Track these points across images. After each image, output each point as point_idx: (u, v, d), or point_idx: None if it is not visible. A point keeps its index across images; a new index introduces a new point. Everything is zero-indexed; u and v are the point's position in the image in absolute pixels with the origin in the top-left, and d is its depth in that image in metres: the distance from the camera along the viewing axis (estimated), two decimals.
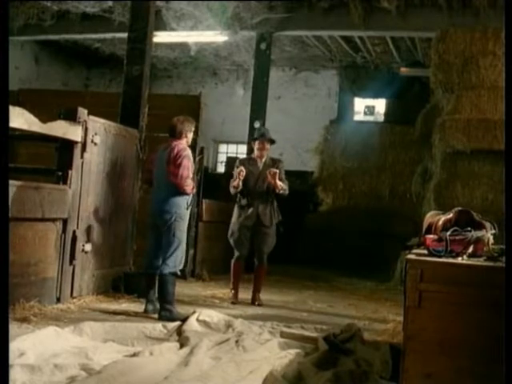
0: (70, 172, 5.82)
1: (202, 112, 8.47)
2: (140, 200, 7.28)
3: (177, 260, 5.59)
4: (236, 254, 6.70)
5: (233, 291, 6.71)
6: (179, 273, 5.79)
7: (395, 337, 4.91)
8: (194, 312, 5.26)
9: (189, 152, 5.66)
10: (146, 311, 5.64)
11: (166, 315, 5.39)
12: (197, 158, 6.88)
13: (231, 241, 6.72)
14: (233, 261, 6.73)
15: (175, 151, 5.57)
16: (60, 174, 5.79)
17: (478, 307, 3.07)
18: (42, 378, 3.34)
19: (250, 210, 6.55)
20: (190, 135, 5.83)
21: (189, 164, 5.58)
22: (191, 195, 5.68)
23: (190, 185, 5.58)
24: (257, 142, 6.66)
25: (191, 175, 5.61)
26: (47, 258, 5.60)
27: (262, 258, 6.64)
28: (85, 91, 13.76)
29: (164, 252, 5.56)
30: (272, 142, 6.72)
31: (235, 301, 6.60)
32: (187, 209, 5.64)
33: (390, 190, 11.75)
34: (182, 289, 6.54)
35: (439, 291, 3.15)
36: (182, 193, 5.56)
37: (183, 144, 5.68)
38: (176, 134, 5.72)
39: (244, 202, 6.59)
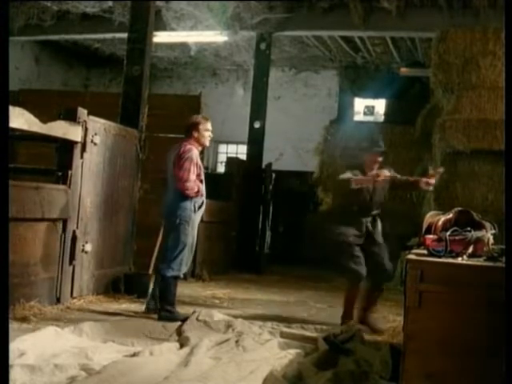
0: (69, 172, 5.82)
1: (202, 112, 8.46)
2: (140, 200, 7.29)
3: (181, 264, 5.50)
4: (353, 276, 5.55)
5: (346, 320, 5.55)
6: (182, 276, 5.67)
7: (395, 337, 4.91)
8: (193, 312, 5.27)
9: (193, 153, 5.45)
10: (147, 308, 5.63)
11: (166, 316, 5.38)
12: None
13: (350, 264, 5.47)
14: (350, 287, 5.63)
15: (179, 152, 5.45)
16: (60, 174, 5.79)
17: (478, 307, 3.07)
18: (42, 378, 3.34)
19: (360, 228, 5.54)
20: (201, 134, 5.56)
21: (190, 166, 5.39)
22: (201, 198, 5.51)
23: (191, 188, 5.39)
24: (373, 155, 5.54)
25: (193, 177, 5.41)
26: (47, 258, 5.60)
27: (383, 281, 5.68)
28: (85, 91, 13.76)
29: (169, 254, 5.49)
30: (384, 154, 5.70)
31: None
32: (195, 212, 5.47)
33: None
34: (182, 289, 6.52)
35: (439, 291, 3.15)
36: (189, 197, 5.43)
37: (190, 144, 5.51)
38: (185, 134, 5.61)
39: (351, 218, 5.55)
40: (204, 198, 5.59)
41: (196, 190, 5.44)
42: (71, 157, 5.87)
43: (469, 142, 7.99)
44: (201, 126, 5.56)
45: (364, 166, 5.53)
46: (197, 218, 5.56)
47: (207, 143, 5.68)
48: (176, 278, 5.54)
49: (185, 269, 5.61)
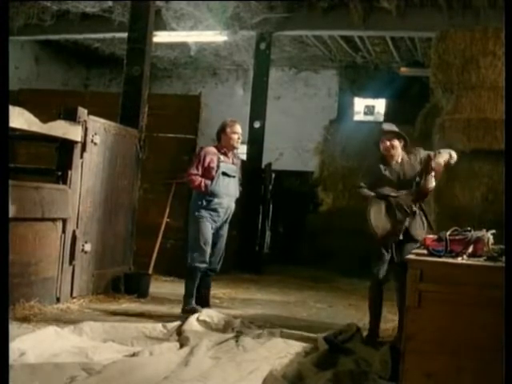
0: (69, 172, 5.82)
1: (201, 112, 8.47)
2: (140, 200, 7.29)
3: (193, 255, 5.62)
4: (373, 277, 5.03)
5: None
6: (197, 268, 5.62)
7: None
8: None
9: (202, 152, 5.70)
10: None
11: (183, 303, 5.65)
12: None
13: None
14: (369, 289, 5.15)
15: None
16: (60, 173, 5.80)
17: (478, 307, 3.07)
18: (42, 378, 3.33)
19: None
20: (228, 136, 5.71)
21: (194, 161, 5.67)
22: (210, 197, 5.60)
23: (192, 181, 5.62)
24: (381, 142, 5.16)
25: (193, 171, 5.61)
26: (47, 258, 5.60)
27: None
28: (85, 91, 13.76)
29: None
30: (400, 136, 5.18)
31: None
32: (203, 208, 5.61)
33: None
34: (182, 289, 6.52)
35: (439, 291, 3.15)
36: (199, 191, 5.63)
37: (212, 147, 5.76)
38: (217, 139, 5.87)
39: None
40: (219, 199, 5.63)
41: (197, 183, 5.60)
42: (71, 157, 5.88)
43: (469, 142, 7.98)
44: (228, 129, 5.73)
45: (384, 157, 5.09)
46: (207, 215, 5.62)
47: (236, 145, 5.79)
48: (191, 269, 5.64)
49: (197, 263, 5.60)
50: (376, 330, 4.98)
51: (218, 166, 5.63)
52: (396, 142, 5.09)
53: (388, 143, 5.07)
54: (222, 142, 5.76)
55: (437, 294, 3.14)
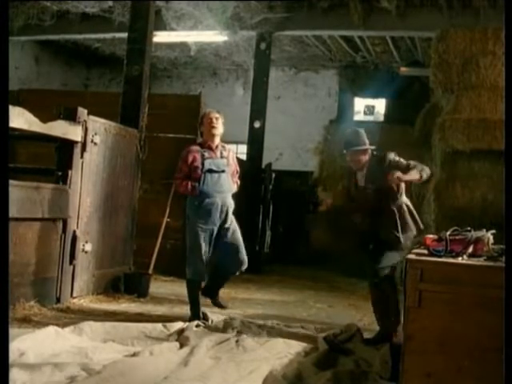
0: (69, 172, 5.82)
1: (201, 112, 8.46)
2: (140, 200, 7.29)
3: (189, 266, 5.34)
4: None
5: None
6: (194, 278, 5.35)
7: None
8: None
9: (185, 152, 5.38)
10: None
11: (190, 316, 5.33)
12: None
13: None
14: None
15: None
16: (60, 173, 5.79)
17: (478, 307, 3.08)
18: (42, 378, 3.34)
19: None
20: (206, 126, 5.44)
21: (179, 165, 5.36)
22: (203, 196, 5.27)
23: (177, 186, 5.39)
24: (350, 154, 5.12)
25: (179, 175, 5.35)
26: (47, 258, 5.60)
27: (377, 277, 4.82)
28: (85, 91, 13.76)
29: None
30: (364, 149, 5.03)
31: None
32: (196, 214, 5.29)
33: None
34: (182, 289, 6.53)
35: (439, 291, 3.15)
36: (189, 195, 5.35)
37: (196, 145, 5.50)
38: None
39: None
40: (210, 198, 5.29)
41: (183, 188, 5.33)
42: (71, 156, 5.88)
43: (468, 142, 7.99)
44: (203, 119, 5.49)
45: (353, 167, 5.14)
46: (201, 221, 5.29)
47: (215, 132, 5.43)
48: (188, 281, 5.40)
49: (194, 276, 5.32)
50: (385, 330, 4.76)
51: (203, 164, 5.28)
52: (361, 156, 5.03)
53: (351, 158, 5.09)
54: (204, 136, 5.48)
55: (437, 294, 3.15)
